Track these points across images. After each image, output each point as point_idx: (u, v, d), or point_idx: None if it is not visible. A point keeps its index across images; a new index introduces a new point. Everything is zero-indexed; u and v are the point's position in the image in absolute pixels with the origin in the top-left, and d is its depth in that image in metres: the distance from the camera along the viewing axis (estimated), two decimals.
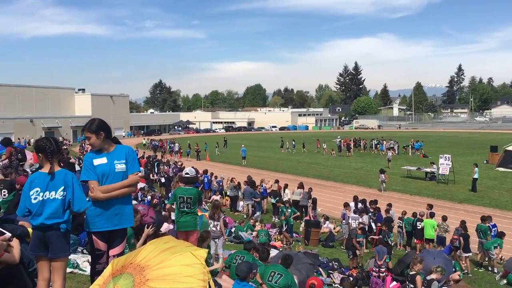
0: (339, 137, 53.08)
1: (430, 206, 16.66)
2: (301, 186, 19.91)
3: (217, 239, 10.14)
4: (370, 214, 16.11)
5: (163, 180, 24.69)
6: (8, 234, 4.24)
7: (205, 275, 3.30)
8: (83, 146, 46.51)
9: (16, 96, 68.02)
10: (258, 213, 18.73)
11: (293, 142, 50.79)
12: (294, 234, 16.58)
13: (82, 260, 7.06)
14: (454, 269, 12.12)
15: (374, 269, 11.78)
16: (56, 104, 74.10)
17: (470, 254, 13.45)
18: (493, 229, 14.60)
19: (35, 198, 4.02)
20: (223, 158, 43.52)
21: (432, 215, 15.47)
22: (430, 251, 13.34)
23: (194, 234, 7.60)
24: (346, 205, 16.70)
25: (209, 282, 3.31)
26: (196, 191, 7.72)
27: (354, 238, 13.31)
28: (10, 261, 4.41)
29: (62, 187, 4.06)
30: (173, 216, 9.11)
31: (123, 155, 4.52)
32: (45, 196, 4.03)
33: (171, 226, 8.42)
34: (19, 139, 56.01)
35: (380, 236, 13.71)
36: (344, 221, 16.34)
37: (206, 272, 3.34)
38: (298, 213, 17.88)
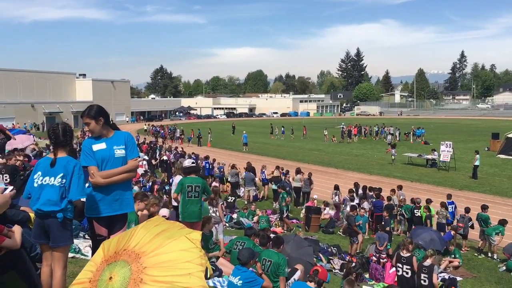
0: (343, 123, 53.07)
1: (399, 187, 17.64)
2: (298, 171, 19.82)
3: (216, 225, 10.18)
4: (373, 200, 16.08)
5: (165, 158, 24.85)
6: (10, 187, 4.20)
7: (202, 259, 3.26)
8: (84, 132, 46.50)
9: (17, 81, 67.80)
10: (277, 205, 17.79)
11: (283, 128, 51.39)
12: (294, 220, 16.66)
13: (84, 245, 7.08)
14: (453, 256, 12.21)
15: (374, 254, 11.84)
16: (57, 89, 73.88)
17: None
18: (450, 206, 15.36)
19: (36, 182, 4.03)
20: (224, 144, 43.53)
21: (429, 202, 15.50)
22: (419, 227, 13.76)
23: (199, 225, 7.69)
24: (351, 191, 16.78)
25: (206, 266, 3.29)
26: (202, 180, 7.81)
27: (353, 225, 13.37)
28: (11, 246, 4.42)
29: (61, 174, 4.01)
30: (174, 203, 9.13)
31: (122, 141, 4.51)
32: (44, 181, 4.02)
33: (167, 212, 8.45)
34: (12, 124, 55.17)
35: (382, 223, 13.75)
36: (343, 206, 16.43)
37: (203, 255, 3.30)
38: (289, 198, 17.92)
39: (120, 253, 3.36)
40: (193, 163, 8.41)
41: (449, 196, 16.07)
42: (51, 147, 4.18)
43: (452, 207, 15.45)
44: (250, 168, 20.85)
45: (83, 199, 4.37)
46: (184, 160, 23.29)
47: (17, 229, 4.63)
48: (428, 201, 15.53)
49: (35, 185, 4.02)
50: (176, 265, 3.18)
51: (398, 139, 45.51)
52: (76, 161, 4.21)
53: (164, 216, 7.24)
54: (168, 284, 3.08)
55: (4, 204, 3.82)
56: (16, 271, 4.58)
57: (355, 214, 13.80)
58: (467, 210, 14.47)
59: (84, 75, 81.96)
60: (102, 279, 3.22)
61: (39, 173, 4.06)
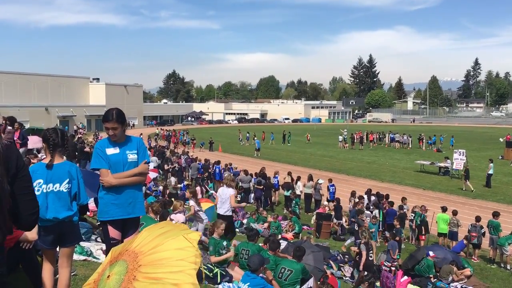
0: (345, 130, 52.64)
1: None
2: (310, 178, 19.75)
3: None
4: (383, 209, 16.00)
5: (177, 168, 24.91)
6: None
7: (197, 258, 3.29)
8: (97, 135, 46.96)
9: (32, 85, 68.68)
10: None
11: (247, 135, 51.98)
12: (305, 227, 16.63)
13: (96, 248, 7.15)
14: (463, 266, 12.06)
15: (386, 263, 11.76)
16: (71, 93, 74.66)
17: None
18: (331, 187, 19.02)
19: (38, 190, 3.90)
20: (236, 150, 43.62)
21: (444, 210, 15.37)
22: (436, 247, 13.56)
23: None
24: (361, 197, 16.76)
25: (201, 268, 3.33)
26: None
27: (354, 218, 13.37)
28: (31, 238, 4.39)
29: (67, 180, 4.03)
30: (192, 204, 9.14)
31: (135, 146, 4.58)
32: (49, 189, 3.97)
33: (182, 218, 8.41)
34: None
35: (393, 231, 13.66)
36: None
37: (198, 254, 3.33)
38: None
39: (122, 253, 3.47)
40: None
41: (330, 180, 19.62)
42: (47, 151, 4.07)
43: (332, 189, 18.94)
44: (262, 174, 20.82)
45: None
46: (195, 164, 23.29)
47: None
48: (444, 208, 15.45)
49: (37, 193, 3.83)
50: (170, 263, 3.24)
51: (410, 146, 45.41)
52: (74, 164, 4.27)
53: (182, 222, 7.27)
54: (158, 280, 3.14)
55: None
56: (23, 266, 4.65)
57: (362, 218, 13.82)
58: (478, 219, 14.31)
59: (98, 79, 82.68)
60: (102, 279, 3.33)
61: (40, 181, 3.95)
